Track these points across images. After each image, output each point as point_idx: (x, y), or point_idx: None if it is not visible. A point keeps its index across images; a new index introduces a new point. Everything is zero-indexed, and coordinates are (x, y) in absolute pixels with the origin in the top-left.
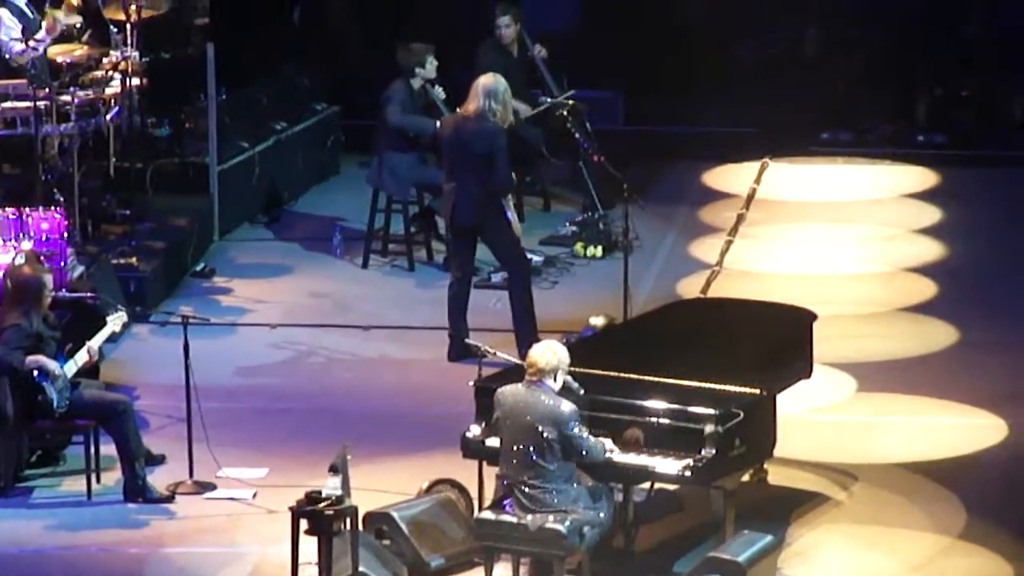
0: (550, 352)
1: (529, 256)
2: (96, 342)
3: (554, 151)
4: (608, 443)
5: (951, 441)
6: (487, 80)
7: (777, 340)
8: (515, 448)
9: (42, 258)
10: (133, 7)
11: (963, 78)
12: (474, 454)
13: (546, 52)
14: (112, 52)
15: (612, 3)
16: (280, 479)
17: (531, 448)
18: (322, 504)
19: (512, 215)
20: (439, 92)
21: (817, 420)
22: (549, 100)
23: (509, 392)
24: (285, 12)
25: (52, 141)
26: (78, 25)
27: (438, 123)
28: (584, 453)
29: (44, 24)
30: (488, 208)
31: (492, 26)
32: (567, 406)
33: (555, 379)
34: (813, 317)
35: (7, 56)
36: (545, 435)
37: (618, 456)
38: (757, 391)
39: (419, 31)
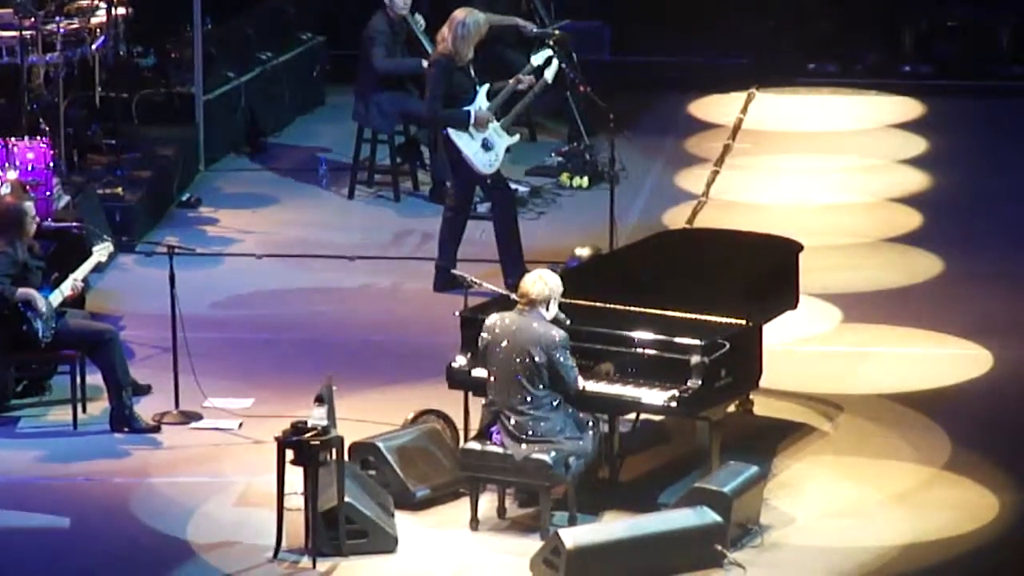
0: (542, 282)
1: (514, 186)
2: (81, 272)
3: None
4: (579, 379)
5: (936, 372)
6: (456, 13)
7: (763, 271)
8: (504, 374)
9: (27, 188)
10: None
11: (949, 7)
12: (460, 384)
13: None
14: None
15: None
16: (266, 409)
17: (520, 373)
18: (308, 434)
19: (470, 150)
20: (419, 21)
21: (803, 351)
22: (535, 30)
23: (499, 318)
24: None
25: (38, 70)
26: None
27: (423, 62)
28: (567, 382)
29: None
30: (445, 141)
31: None
32: (559, 332)
33: (547, 309)
34: (799, 248)
35: None
36: (536, 359)
37: (604, 386)
38: (743, 322)
39: None
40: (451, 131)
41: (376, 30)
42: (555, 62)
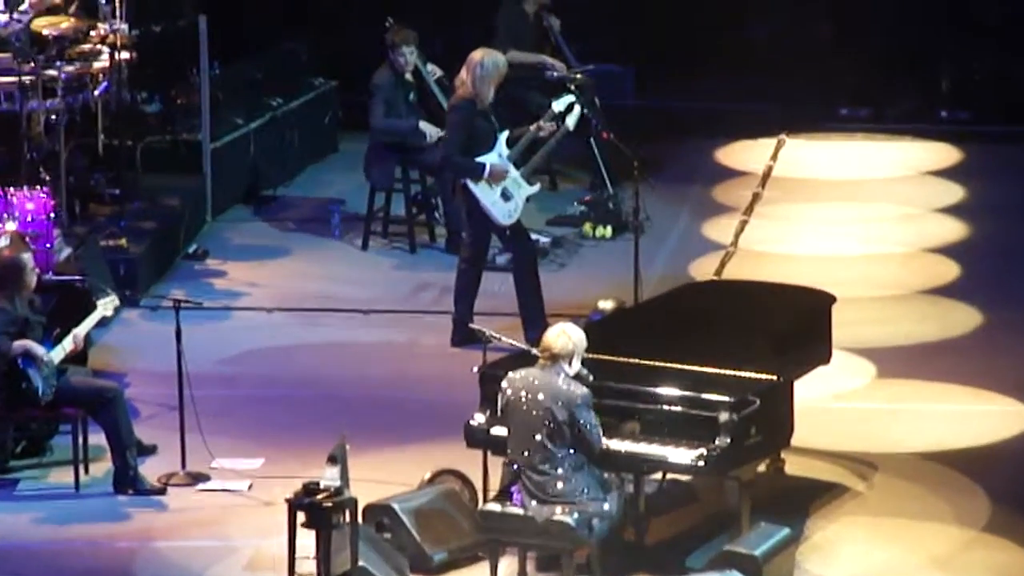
0: (565, 337)
1: (535, 237)
2: (84, 327)
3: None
4: (603, 438)
5: (974, 429)
6: (474, 55)
7: (794, 324)
8: (525, 432)
9: (27, 239)
10: None
11: (987, 50)
12: (478, 443)
13: (559, 23)
14: (100, 24)
15: None
16: (276, 470)
17: (542, 431)
18: (320, 496)
19: (488, 199)
20: (433, 71)
21: (836, 407)
22: (556, 74)
23: (520, 375)
24: None
25: (38, 117)
26: None
27: (421, 123)
28: (590, 442)
29: None
30: (462, 190)
31: None
32: (581, 389)
33: (570, 364)
34: (832, 300)
35: None
36: (558, 417)
37: (629, 445)
38: (773, 377)
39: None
40: (468, 181)
41: (377, 84)
42: (576, 108)
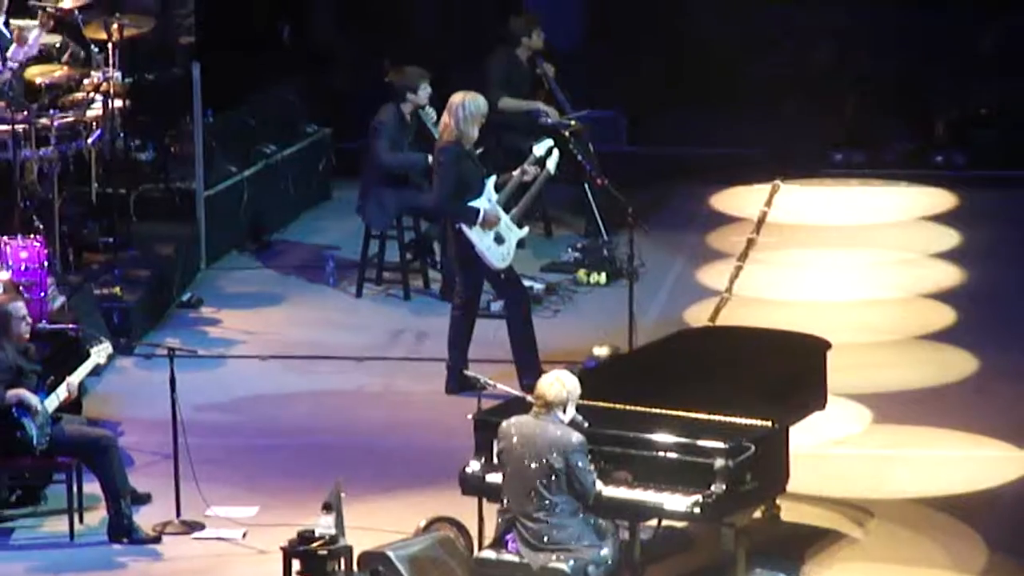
0: (559, 384)
1: (529, 283)
2: (78, 376)
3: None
4: (600, 485)
5: (971, 475)
6: (454, 97)
7: (789, 370)
8: (520, 480)
9: (21, 288)
10: (115, 25)
11: (983, 94)
12: (474, 490)
13: (554, 70)
14: (93, 73)
15: (617, 21)
16: (271, 518)
17: (537, 479)
18: (315, 543)
19: (483, 244)
20: (431, 114)
21: (831, 453)
22: (549, 120)
23: (515, 422)
24: (273, 30)
25: (31, 166)
26: (58, 45)
27: (429, 157)
28: (585, 488)
29: (13, 37)
30: (456, 235)
31: (507, 35)
32: (576, 436)
33: (564, 411)
34: (827, 346)
35: None
36: (552, 465)
37: (625, 492)
38: (769, 423)
39: (412, 49)
40: (463, 225)
41: (382, 122)
42: (556, 152)
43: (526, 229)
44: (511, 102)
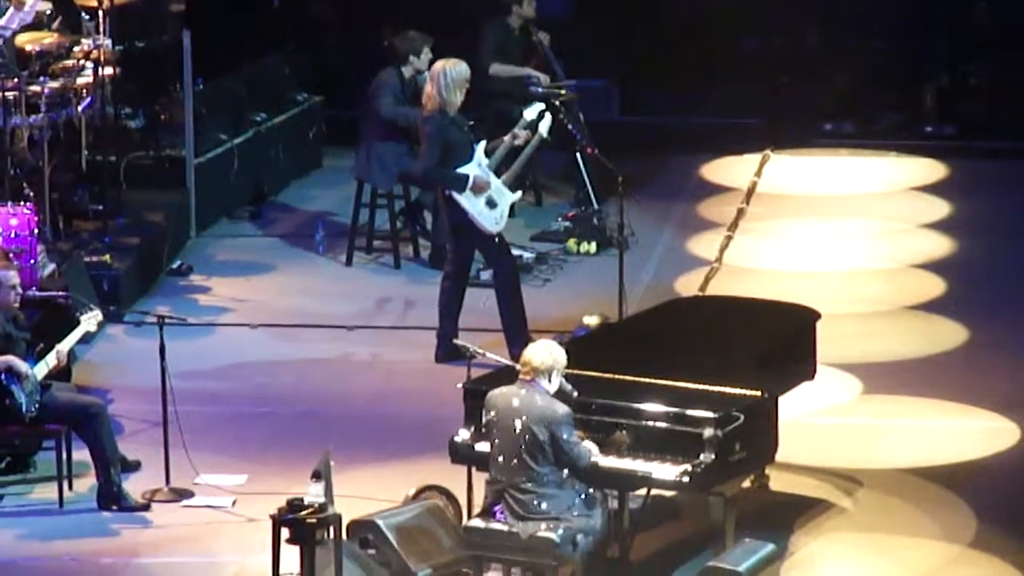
0: (545, 352)
1: (519, 252)
2: (68, 343)
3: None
4: (593, 448)
5: (960, 445)
6: (435, 66)
7: (779, 340)
8: (506, 450)
9: (11, 255)
10: None
11: (972, 65)
12: (463, 459)
13: (548, 37)
14: (84, 40)
15: None
16: (260, 486)
17: (523, 450)
18: (304, 512)
19: (474, 209)
20: (426, 79)
21: (821, 423)
22: (540, 89)
23: (501, 393)
24: None
25: (21, 133)
26: (48, 12)
27: None
28: (572, 459)
29: (13, 2)
30: (447, 202)
31: (503, 5)
32: (562, 408)
33: (550, 380)
34: (816, 316)
35: None
36: (538, 437)
37: (614, 461)
38: (758, 393)
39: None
40: (453, 192)
41: (385, 82)
42: (548, 116)
43: (519, 193)
44: (502, 68)
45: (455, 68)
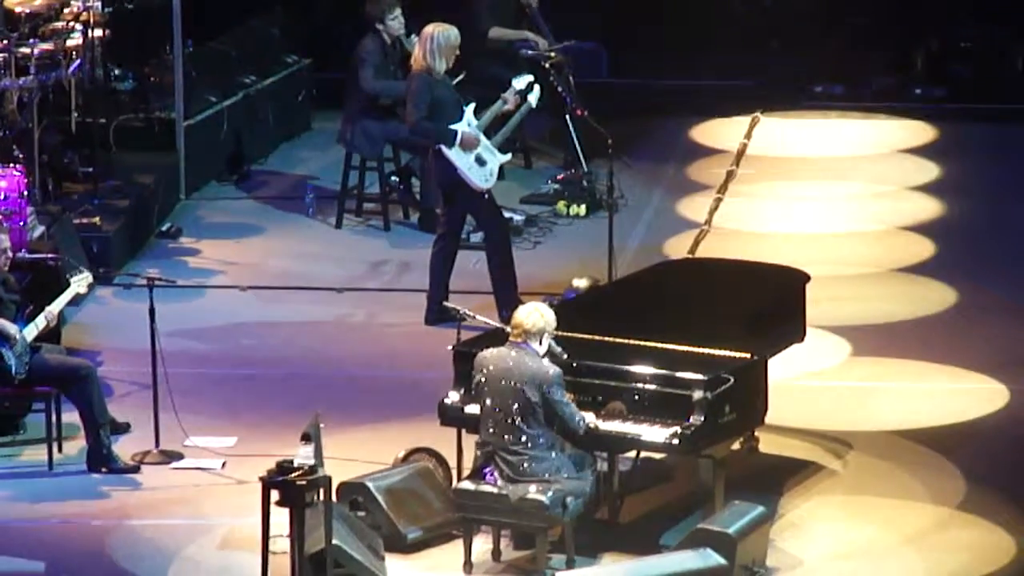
0: (536, 314)
1: (509, 215)
2: (57, 305)
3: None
4: (590, 418)
5: (949, 407)
6: (426, 29)
7: (768, 302)
8: (497, 412)
9: (1, 218)
10: None
11: (962, 27)
12: (452, 421)
13: (537, 1)
14: (73, 2)
15: None
16: (250, 448)
17: (513, 412)
18: (294, 474)
19: (464, 164)
20: (414, 42)
21: (810, 386)
22: (530, 52)
23: (491, 354)
24: None
25: (11, 95)
26: None
27: None
28: (563, 420)
29: None
30: (440, 165)
31: None
32: (552, 368)
33: (540, 342)
34: (806, 278)
35: None
36: (529, 398)
37: (604, 423)
38: (748, 355)
39: None
40: (443, 147)
41: (367, 51)
42: (537, 88)
43: (509, 155)
44: (501, 31)
45: (444, 33)
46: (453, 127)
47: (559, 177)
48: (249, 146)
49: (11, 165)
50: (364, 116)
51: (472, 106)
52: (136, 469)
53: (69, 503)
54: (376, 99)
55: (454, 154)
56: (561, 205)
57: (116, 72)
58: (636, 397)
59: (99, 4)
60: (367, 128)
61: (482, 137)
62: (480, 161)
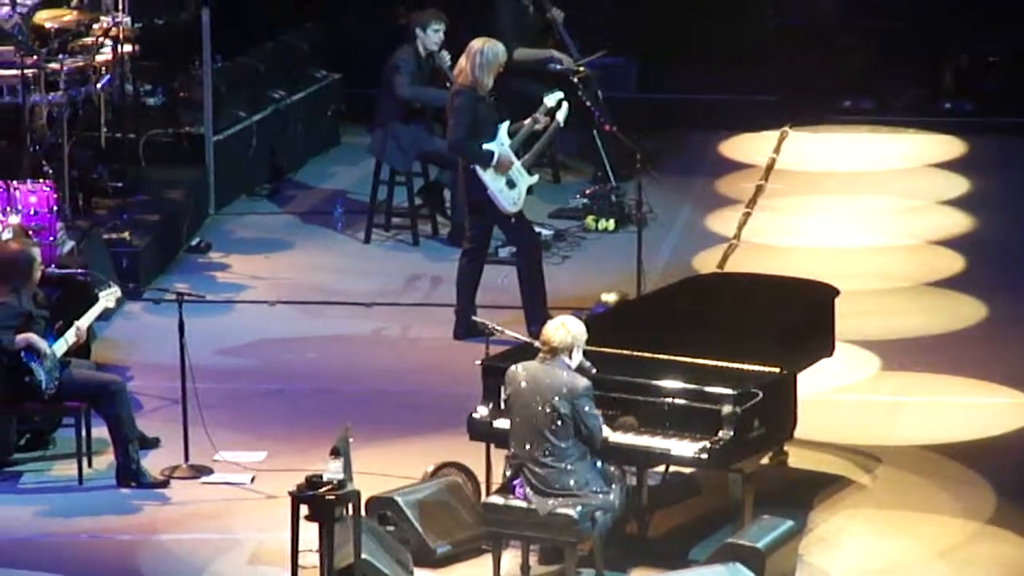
0: (564, 330)
1: (538, 229)
2: (87, 320)
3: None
4: (607, 431)
5: (979, 422)
6: (474, 43)
7: (798, 317)
8: (527, 425)
9: (31, 233)
10: None
11: (991, 41)
12: (481, 436)
13: (563, 15)
14: (103, 17)
15: None
16: (279, 463)
17: (544, 425)
18: (323, 489)
19: (495, 187)
20: (445, 57)
21: (839, 400)
22: (558, 67)
23: (523, 368)
24: None
25: (40, 110)
26: None
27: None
28: (592, 432)
29: None
30: (470, 181)
31: None
32: (583, 381)
33: (571, 356)
34: (835, 293)
35: None
36: (560, 410)
37: (632, 438)
38: (777, 370)
39: None
40: (478, 167)
41: (402, 59)
42: (565, 104)
43: (536, 176)
44: (526, 52)
45: (492, 49)
46: (488, 146)
47: (587, 192)
48: (278, 161)
49: (41, 180)
50: (397, 124)
51: (506, 124)
52: (165, 484)
53: (99, 518)
54: (410, 105)
55: (488, 176)
56: (590, 220)
57: (145, 87)
58: (665, 410)
59: (129, 19)
60: (400, 138)
61: (515, 159)
62: (511, 184)
